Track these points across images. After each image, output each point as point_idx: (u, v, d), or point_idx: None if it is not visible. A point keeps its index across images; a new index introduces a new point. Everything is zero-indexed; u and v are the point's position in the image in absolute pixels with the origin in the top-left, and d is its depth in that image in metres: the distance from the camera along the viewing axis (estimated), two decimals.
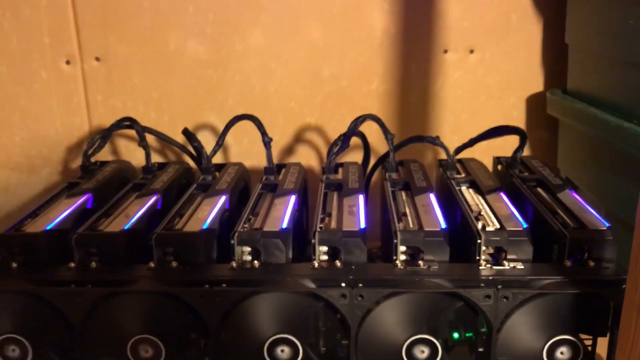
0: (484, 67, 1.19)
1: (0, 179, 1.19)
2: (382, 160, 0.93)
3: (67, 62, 1.14)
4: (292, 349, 0.65)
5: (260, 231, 0.70)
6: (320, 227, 0.72)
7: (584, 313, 0.64)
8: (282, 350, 0.66)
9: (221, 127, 0.92)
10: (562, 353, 0.64)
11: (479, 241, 0.68)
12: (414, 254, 0.69)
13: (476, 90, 1.19)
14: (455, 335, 0.69)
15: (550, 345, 0.64)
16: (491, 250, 0.69)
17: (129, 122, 0.93)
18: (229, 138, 0.92)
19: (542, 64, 1.19)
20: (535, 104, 1.20)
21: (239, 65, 1.14)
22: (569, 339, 0.64)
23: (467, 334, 0.69)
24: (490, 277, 0.64)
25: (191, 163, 1.04)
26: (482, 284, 0.63)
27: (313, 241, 0.69)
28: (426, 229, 0.70)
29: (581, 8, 1.05)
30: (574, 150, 1.10)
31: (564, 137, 1.14)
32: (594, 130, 0.96)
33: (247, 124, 0.94)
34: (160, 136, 0.98)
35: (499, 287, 0.63)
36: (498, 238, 0.68)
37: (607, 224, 0.69)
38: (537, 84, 1.20)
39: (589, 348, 0.68)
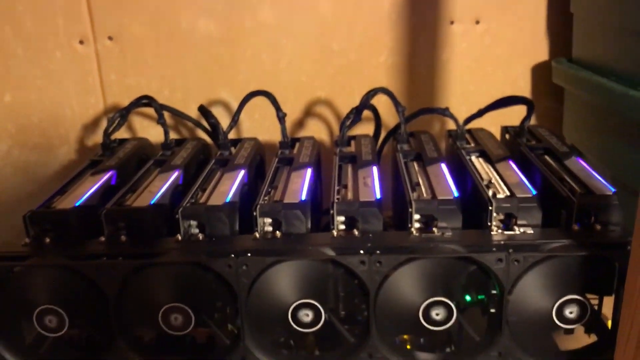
0: (490, 37, 1.21)
1: (19, 159, 1.23)
2: (393, 132, 0.96)
3: (81, 42, 1.16)
4: (315, 313, 0.69)
5: (281, 203, 0.73)
6: (338, 199, 0.76)
7: (591, 274, 0.68)
8: (307, 315, 0.69)
9: (233, 103, 0.95)
10: (570, 312, 0.68)
11: (490, 208, 0.71)
12: (427, 222, 0.73)
13: (483, 61, 1.21)
14: (468, 298, 0.73)
15: (559, 305, 0.68)
16: (502, 217, 0.72)
17: (147, 100, 0.95)
18: (241, 114, 0.95)
19: (547, 33, 1.21)
20: (540, 73, 1.22)
21: (250, 41, 1.16)
22: (577, 299, 0.67)
23: (479, 297, 0.73)
24: (502, 242, 0.67)
25: (206, 139, 1.07)
26: (494, 249, 0.67)
27: (332, 211, 0.72)
28: (439, 198, 0.73)
29: None
30: (579, 119, 1.13)
31: (569, 106, 1.16)
32: (599, 98, 0.99)
33: (259, 100, 0.96)
34: (177, 113, 1.01)
35: (510, 251, 0.66)
36: (508, 205, 0.71)
37: (613, 189, 0.72)
38: (542, 54, 1.22)
39: (596, 307, 0.72)
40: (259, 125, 1.20)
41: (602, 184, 0.74)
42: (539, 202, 0.71)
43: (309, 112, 1.23)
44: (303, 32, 1.17)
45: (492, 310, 0.70)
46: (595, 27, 1.05)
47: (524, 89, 1.22)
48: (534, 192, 0.73)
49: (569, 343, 0.73)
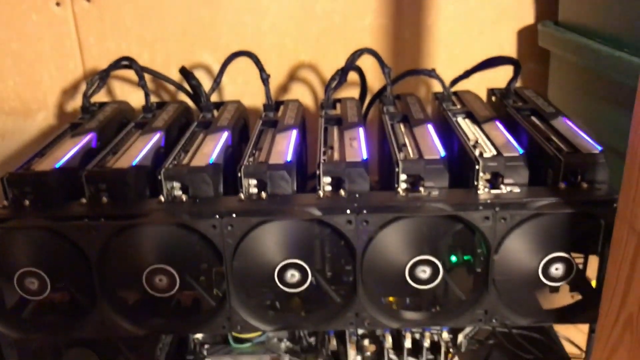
0: (475, 0, 1.19)
1: None
2: (379, 94, 0.95)
3: (57, 4, 1.13)
4: (302, 273, 0.69)
5: (266, 164, 0.72)
6: (324, 160, 0.74)
7: (577, 232, 0.68)
8: (292, 275, 0.69)
9: (215, 67, 0.92)
10: (556, 269, 0.68)
11: (477, 167, 0.70)
12: (414, 182, 0.72)
13: (468, 24, 1.19)
14: (454, 258, 0.73)
15: (545, 263, 0.68)
16: (488, 176, 0.72)
17: (127, 62, 0.93)
18: (224, 77, 0.93)
19: None
20: (526, 36, 1.21)
21: (231, 3, 1.14)
22: (563, 256, 0.67)
23: (465, 258, 0.73)
24: (489, 201, 0.67)
25: (189, 103, 1.05)
26: (480, 207, 0.66)
27: (318, 172, 0.71)
28: (426, 158, 0.72)
29: None
30: (564, 81, 1.12)
31: (554, 69, 1.16)
32: (585, 60, 0.98)
33: (241, 63, 0.94)
34: (158, 75, 0.99)
35: (497, 209, 0.66)
36: (495, 164, 0.70)
37: (600, 148, 0.72)
38: (528, 17, 1.20)
39: (581, 267, 0.72)
40: (242, 90, 1.18)
41: (589, 143, 0.73)
42: (525, 161, 0.71)
43: (293, 77, 1.21)
44: (284, 16, 1.14)
45: (478, 270, 0.70)
46: None
47: (510, 52, 1.21)
48: (521, 151, 0.72)
49: (554, 304, 0.74)
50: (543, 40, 1.13)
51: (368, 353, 0.84)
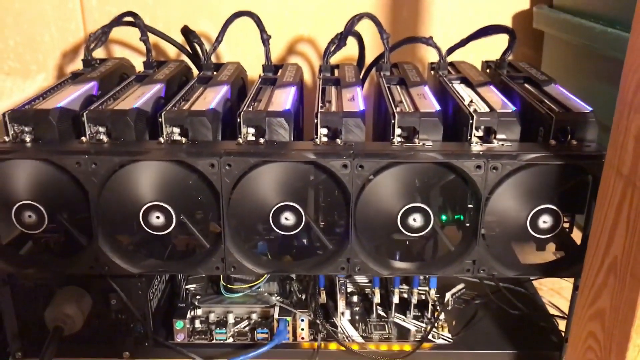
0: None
1: None
2: (377, 60, 0.97)
3: None
4: (296, 217, 0.70)
5: (265, 111, 0.74)
6: (322, 110, 0.76)
7: (566, 186, 0.70)
8: (287, 218, 0.70)
9: (215, 34, 0.93)
10: (544, 222, 0.70)
11: (470, 122, 0.72)
12: (409, 136, 0.74)
13: (465, 5, 1.22)
14: (444, 217, 0.74)
15: (533, 215, 0.69)
16: (481, 133, 0.74)
17: (130, 18, 0.94)
18: (223, 42, 0.94)
19: None
20: (520, 21, 1.23)
21: None
22: (551, 208, 0.69)
23: (455, 216, 0.75)
24: (481, 152, 0.69)
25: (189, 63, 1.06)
26: (473, 157, 0.68)
27: (315, 121, 0.73)
28: (422, 110, 0.74)
29: None
30: (558, 62, 1.15)
31: (548, 51, 1.18)
32: (579, 38, 1.01)
33: (242, 29, 0.95)
34: (160, 34, 1.00)
35: (489, 159, 0.67)
36: (488, 118, 0.72)
37: (590, 108, 0.74)
38: (524, 2, 1.23)
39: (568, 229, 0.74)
40: (242, 58, 1.19)
41: (580, 104, 0.75)
42: (518, 118, 0.73)
43: (291, 50, 1.23)
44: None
45: (468, 224, 0.72)
46: None
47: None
48: (514, 109, 0.74)
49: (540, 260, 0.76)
50: (538, 22, 1.16)
51: (357, 308, 0.86)
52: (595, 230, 0.63)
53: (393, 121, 0.72)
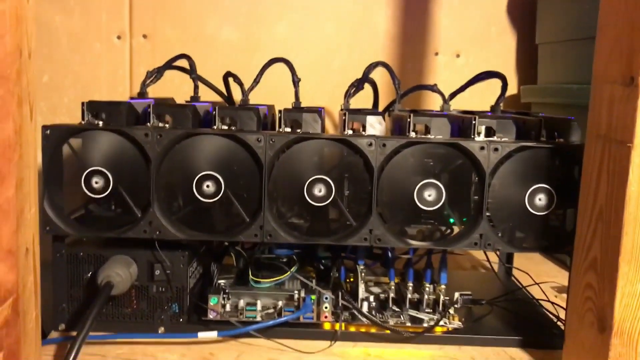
0: (468, 69, 1.42)
1: None
2: (391, 104, 1.13)
3: (118, 37, 1.34)
4: (327, 189, 0.81)
5: (302, 109, 0.88)
6: (349, 109, 0.90)
7: (557, 169, 0.82)
8: (320, 190, 0.81)
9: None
10: (540, 199, 0.82)
11: (473, 122, 0.86)
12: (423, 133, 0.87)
13: (461, 95, 1.41)
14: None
15: (530, 193, 0.81)
16: (483, 132, 0.87)
17: (184, 59, 1.10)
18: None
19: (516, 67, 1.44)
20: (510, 100, 1.43)
21: (268, 55, 1.35)
22: (545, 187, 0.81)
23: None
24: (484, 140, 0.82)
25: None
26: (477, 140, 0.81)
27: (343, 118, 0.87)
28: (433, 112, 0.88)
29: (550, 12, 1.31)
30: None
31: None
32: (560, 98, 1.19)
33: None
34: (205, 82, 1.16)
35: (490, 142, 0.81)
36: (489, 120, 0.87)
37: (573, 117, 0.89)
38: (512, 84, 1.43)
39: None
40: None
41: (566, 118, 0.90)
42: (513, 121, 0.87)
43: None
44: (310, 50, 1.37)
45: (475, 197, 0.83)
46: (557, 52, 1.28)
47: None
48: (510, 116, 0.89)
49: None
50: (525, 96, 1.35)
51: (374, 303, 0.93)
52: (583, 191, 0.75)
53: (409, 120, 0.87)
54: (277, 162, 0.81)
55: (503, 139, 0.85)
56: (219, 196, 0.81)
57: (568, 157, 0.82)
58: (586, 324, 0.73)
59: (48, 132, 0.81)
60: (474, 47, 1.44)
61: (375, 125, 0.87)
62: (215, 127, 0.85)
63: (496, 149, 0.81)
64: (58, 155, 0.82)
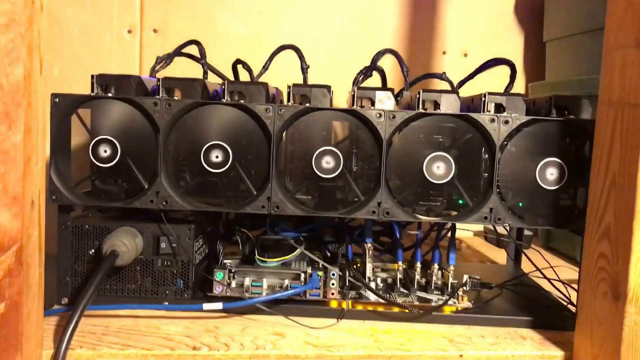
0: (476, 67, 1.42)
1: None
2: (400, 93, 1.12)
3: (129, 31, 1.35)
4: (335, 161, 0.81)
5: (310, 85, 0.88)
6: (359, 86, 0.90)
7: (567, 142, 0.81)
8: (327, 162, 0.81)
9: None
10: (551, 174, 0.81)
11: (483, 99, 0.86)
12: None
13: (470, 87, 1.41)
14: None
15: (541, 166, 0.80)
16: (492, 110, 0.87)
17: (194, 44, 1.11)
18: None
19: (523, 65, 1.44)
20: None
21: (274, 48, 1.36)
22: (556, 161, 0.80)
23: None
24: (495, 114, 0.82)
25: None
26: (487, 113, 0.81)
27: (352, 93, 0.87)
28: (442, 88, 0.88)
29: (558, 8, 1.31)
30: None
31: None
32: (570, 91, 1.18)
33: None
34: (214, 71, 1.17)
35: (500, 115, 0.80)
36: (498, 96, 0.86)
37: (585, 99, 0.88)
38: (520, 82, 1.43)
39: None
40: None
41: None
42: (522, 97, 0.86)
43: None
44: (319, 45, 1.37)
45: (485, 174, 0.82)
46: (564, 49, 1.28)
47: None
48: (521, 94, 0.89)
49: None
50: (533, 93, 1.34)
51: (381, 284, 0.91)
52: (595, 161, 0.74)
53: (418, 96, 0.86)
54: (285, 134, 0.81)
55: (513, 115, 0.84)
56: (227, 166, 0.81)
57: (579, 132, 0.81)
58: (599, 294, 0.72)
59: (57, 99, 0.81)
60: (482, 47, 1.44)
61: (385, 101, 0.86)
62: (223, 100, 0.85)
63: (507, 122, 0.80)
64: (67, 124, 0.82)
